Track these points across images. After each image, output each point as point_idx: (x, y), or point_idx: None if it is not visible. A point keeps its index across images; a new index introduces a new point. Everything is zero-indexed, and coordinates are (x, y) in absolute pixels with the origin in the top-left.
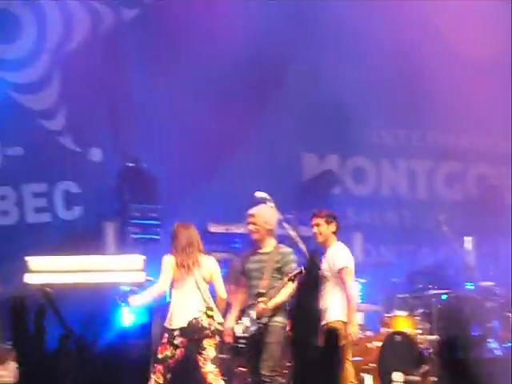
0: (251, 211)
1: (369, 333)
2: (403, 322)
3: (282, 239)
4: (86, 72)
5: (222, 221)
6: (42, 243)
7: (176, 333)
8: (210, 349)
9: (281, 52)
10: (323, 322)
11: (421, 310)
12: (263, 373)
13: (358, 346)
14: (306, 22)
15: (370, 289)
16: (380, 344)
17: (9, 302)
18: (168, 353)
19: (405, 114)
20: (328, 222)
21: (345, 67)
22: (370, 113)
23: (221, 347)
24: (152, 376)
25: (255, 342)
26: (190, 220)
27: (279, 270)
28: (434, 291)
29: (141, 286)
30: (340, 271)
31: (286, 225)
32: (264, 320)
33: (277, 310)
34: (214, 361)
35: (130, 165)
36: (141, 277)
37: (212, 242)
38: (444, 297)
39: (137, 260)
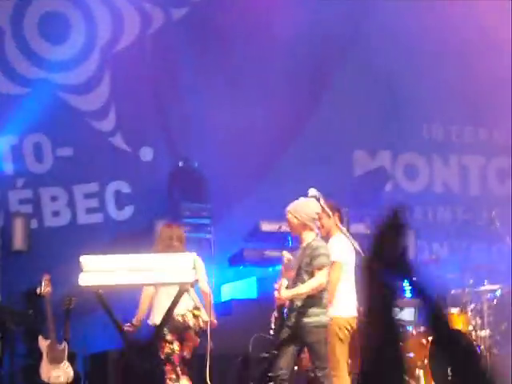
0: (286, 208)
1: (422, 329)
2: (456, 319)
3: None
4: (136, 72)
5: (274, 219)
6: (94, 243)
7: (165, 330)
8: (186, 351)
9: (332, 49)
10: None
11: (472, 306)
12: (317, 375)
13: (410, 342)
14: (358, 20)
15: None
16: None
17: (63, 303)
18: (168, 350)
19: (457, 109)
20: (329, 215)
21: (398, 64)
22: (422, 109)
23: None
24: (165, 377)
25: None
26: (241, 218)
27: (308, 264)
28: (487, 287)
29: (193, 285)
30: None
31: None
32: (292, 320)
33: (308, 306)
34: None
35: (181, 164)
36: (192, 276)
37: (264, 241)
38: (497, 292)
39: (188, 258)
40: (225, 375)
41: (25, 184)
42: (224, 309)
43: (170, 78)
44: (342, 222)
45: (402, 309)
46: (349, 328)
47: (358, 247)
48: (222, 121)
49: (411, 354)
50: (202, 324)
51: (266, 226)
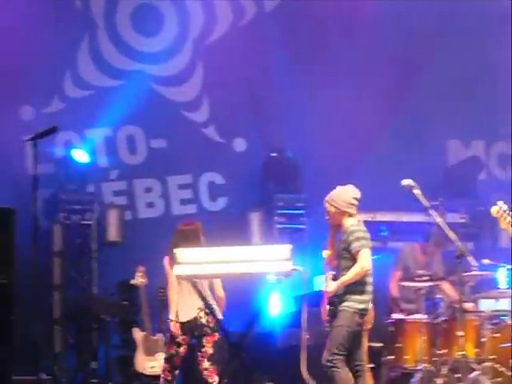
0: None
1: None
2: None
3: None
4: (229, 63)
5: (368, 209)
6: None
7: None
8: (207, 346)
9: (425, 40)
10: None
11: None
12: (324, 356)
13: (507, 332)
14: (450, 10)
15: None
16: None
17: (158, 294)
18: (173, 351)
19: None
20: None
21: (490, 53)
22: None
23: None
24: (161, 375)
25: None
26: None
27: (347, 250)
28: None
29: (288, 276)
30: None
31: (432, 212)
32: (333, 308)
33: (347, 292)
34: (211, 358)
35: (274, 154)
36: (288, 266)
37: None
38: None
39: (284, 249)
40: (320, 366)
41: (119, 176)
42: (317, 300)
43: (262, 69)
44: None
45: (498, 299)
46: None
47: (454, 237)
48: (315, 111)
49: (508, 344)
50: (218, 316)
51: (360, 216)
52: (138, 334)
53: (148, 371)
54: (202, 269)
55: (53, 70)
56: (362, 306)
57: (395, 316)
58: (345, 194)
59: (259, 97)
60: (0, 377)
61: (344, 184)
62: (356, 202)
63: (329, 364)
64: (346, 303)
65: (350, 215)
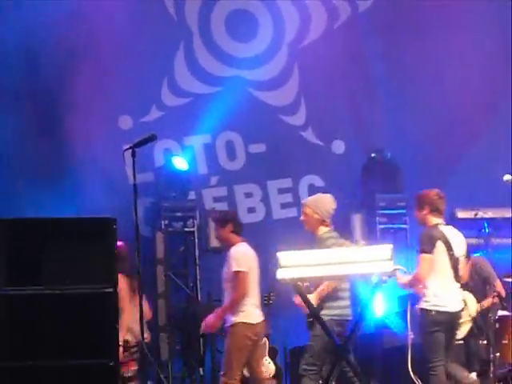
0: (303, 201)
1: None
2: None
3: None
4: (324, 65)
5: (470, 206)
6: (290, 238)
7: None
8: None
9: None
10: None
11: None
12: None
13: None
14: None
15: None
16: None
17: (262, 298)
18: None
19: None
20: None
21: None
22: None
23: None
24: None
25: None
26: None
27: None
28: None
29: (390, 276)
30: None
31: None
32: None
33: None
34: None
35: (374, 155)
36: (389, 266)
37: (460, 228)
38: None
39: (385, 249)
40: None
41: (219, 182)
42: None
43: (358, 69)
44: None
45: None
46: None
47: None
48: (413, 110)
49: None
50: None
51: (462, 214)
52: None
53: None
54: (305, 272)
55: (150, 79)
56: (337, 312)
57: (501, 313)
58: (327, 204)
59: (356, 98)
60: None
61: (444, 183)
62: (333, 213)
63: (302, 373)
64: (322, 311)
65: (327, 225)
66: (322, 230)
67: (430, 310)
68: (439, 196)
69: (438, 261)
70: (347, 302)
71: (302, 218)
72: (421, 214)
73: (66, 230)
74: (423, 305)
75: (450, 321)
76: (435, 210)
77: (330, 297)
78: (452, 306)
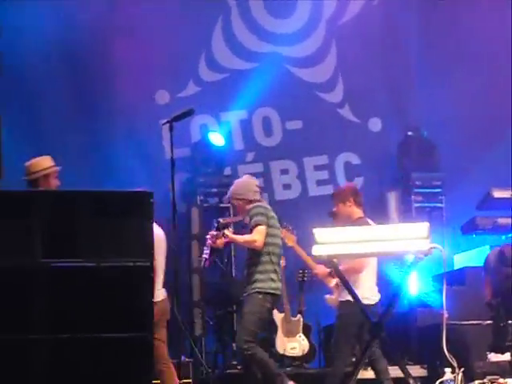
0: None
1: None
2: None
3: None
4: (362, 42)
5: (506, 186)
6: (326, 215)
7: None
8: None
9: None
10: None
11: None
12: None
13: None
14: None
15: None
16: None
17: (297, 276)
18: None
19: None
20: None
21: None
22: None
23: None
24: None
25: None
26: (473, 186)
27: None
28: None
29: (426, 254)
30: None
31: None
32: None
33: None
34: None
35: (410, 133)
36: (425, 244)
37: (497, 208)
38: None
39: (421, 228)
40: (461, 344)
41: (255, 158)
42: (457, 278)
43: (396, 47)
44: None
45: None
46: None
47: None
48: (450, 88)
49: None
50: None
51: (498, 193)
52: (277, 316)
53: (289, 352)
54: (341, 248)
55: (188, 55)
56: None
57: None
58: (248, 185)
59: (393, 76)
60: (142, 360)
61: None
62: (258, 189)
63: (245, 352)
64: (253, 285)
65: (258, 201)
66: (253, 204)
67: None
68: (357, 189)
69: None
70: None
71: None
72: (346, 207)
73: (102, 203)
74: None
75: None
76: (358, 203)
77: (262, 270)
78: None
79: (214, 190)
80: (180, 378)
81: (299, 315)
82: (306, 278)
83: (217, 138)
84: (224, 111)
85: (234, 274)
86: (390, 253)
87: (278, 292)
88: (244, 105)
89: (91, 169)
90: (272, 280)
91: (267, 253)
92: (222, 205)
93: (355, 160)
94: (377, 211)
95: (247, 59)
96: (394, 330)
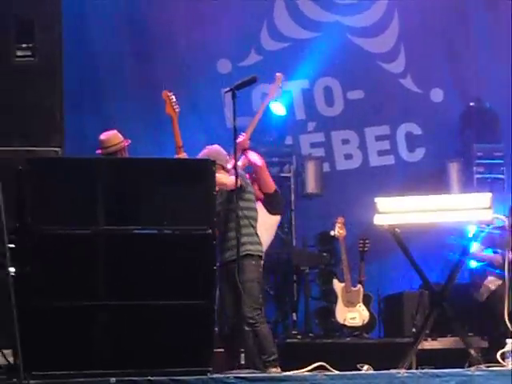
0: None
1: None
2: None
3: None
4: (424, 12)
5: None
6: (386, 185)
7: None
8: None
9: None
10: None
11: None
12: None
13: None
14: None
15: None
16: None
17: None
18: None
19: None
20: None
21: None
22: None
23: None
24: None
25: None
26: None
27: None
28: None
29: (489, 224)
30: None
31: None
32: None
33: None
34: None
35: (472, 104)
36: (488, 214)
37: None
38: None
39: (484, 198)
40: None
41: (316, 128)
42: None
43: (458, 17)
44: None
45: None
46: None
47: None
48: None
49: None
50: None
51: None
52: (338, 286)
53: (349, 322)
54: (403, 218)
55: (249, 24)
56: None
57: None
58: (220, 152)
59: (456, 46)
60: (203, 328)
61: None
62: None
63: (251, 321)
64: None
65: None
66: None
67: None
68: None
69: None
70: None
71: None
72: None
73: (165, 171)
74: None
75: None
76: None
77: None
78: None
79: (275, 159)
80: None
81: (359, 285)
82: (366, 248)
83: (278, 108)
84: (285, 80)
85: (294, 243)
86: (452, 223)
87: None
88: (306, 74)
89: (153, 136)
90: (258, 243)
91: (245, 216)
92: (282, 174)
93: (417, 130)
94: (438, 182)
95: (309, 28)
96: (454, 300)
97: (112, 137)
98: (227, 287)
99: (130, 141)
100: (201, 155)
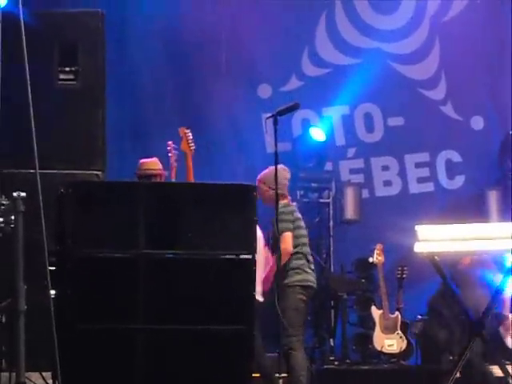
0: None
1: None
2: None
3: None
4: (466, 39)
5: None
6: (425, 212)
7: None
8: None
9: None
10: None
11: None
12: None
13: None
14: None
15: None
16: None
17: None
18: None
19: None
20: None
21: None
22: None
23: None
24: None
25: None
26: None
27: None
28: None
29: None
30: None
31: None
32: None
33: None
34: None
35: (511, 132)
36: None
37: None
38: None
39: None
40: None
41: (356, 154)
42: None
43: (499, 45)
44: None
45: None
46: None
47: None
48: None
49: None
50: None
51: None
52: (376, 312)
53: (386, 349)
54: (443, 246)
55: (291, 49)
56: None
57: None
58: (281, 176)
59: (497, 73)
60: (243, 353)
61: None
62: (287, 183)
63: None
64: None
65: (284, 198)
66: (281, 204)
67: None
68: None
69: None
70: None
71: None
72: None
73: (205, 196)
74: None
75: None
76: None
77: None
78: None
79: (314, 185)
80: (279, 372)
81: (397, 312)
82: (404, 275)
83: (318, 133)
84: (326, 106)
85: (332, 269)
86: (492, 251)
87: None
88: (346, 100)
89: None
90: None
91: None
92: (321, 200)
93: (456, 158)
94: (477, 210)
95: (350, 55)
96: (492, 329)
97: (152, 162)
98: None
99: (166, 173)
100: (262, 176)
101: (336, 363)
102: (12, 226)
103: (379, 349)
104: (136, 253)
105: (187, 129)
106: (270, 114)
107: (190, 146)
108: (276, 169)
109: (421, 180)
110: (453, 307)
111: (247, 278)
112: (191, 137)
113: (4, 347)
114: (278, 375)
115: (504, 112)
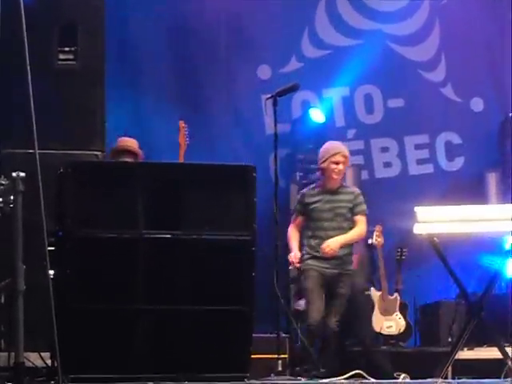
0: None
1: None
2: None
3: None
4: (466, 22)
5: None
6: (425, 194)
7: None
8: None
9: None
10: None
11: None
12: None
13: None
14: None
15: None
16: None
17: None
18: None
19: None
20: None
21: None
22: None
23: None
24: None
25: None
26: None
27: (351, 211)
28: None
29: None
30: None
31: None
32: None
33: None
34: None
35: (511, 114)
36: None
37: None
38: None
39: None
40: None
41: (356, 135)
42: None
43: (499, 27)
44: None
45: None
46: None
47: None
48: None
49: None
50: None
51: None
52: (374, 294)
53: (385, 330)
54: (442, 227)
55: (290, 30)
56: None
57: None
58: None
59: (496, 55)
60: (241, 333)
61: None
62: None
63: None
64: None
65: None
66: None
67: None
68: None
69: None
70: None
71: (342, 167)
72: None
73: (205, 176)
74: None
75: None
76: None
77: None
78: None
79: (314, 166)
80: (278, 353)
81: (396, 294)
82: (404, 257)
83: (317, 115)
84: (326, 88)
85: None
86: (492, 233)
87: None
88: (346, 82)
89: (191, 142)
90: None
91: None
92: None
93: (456, 140)
94: (476, 192)
95: (350, 36)
96: (491, 311)
97: (130, 140)
98: None
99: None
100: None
101: None
102: (11, 206)
103: (378, 330)
104: (135, 233)
105: (185, 123)
106: (269, 95)
107: (185, 141)
108: None
109: (420, 162)
110: None
111: (247, 258)
112: (187, 132)
113: (3, 327)
114: (277, 356)
115: (504, 94)
